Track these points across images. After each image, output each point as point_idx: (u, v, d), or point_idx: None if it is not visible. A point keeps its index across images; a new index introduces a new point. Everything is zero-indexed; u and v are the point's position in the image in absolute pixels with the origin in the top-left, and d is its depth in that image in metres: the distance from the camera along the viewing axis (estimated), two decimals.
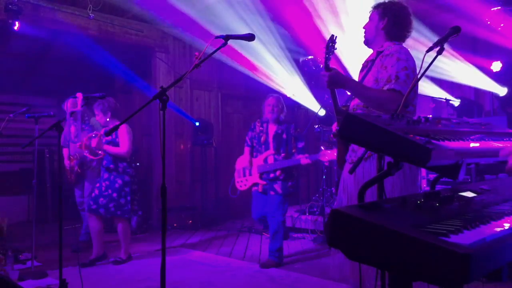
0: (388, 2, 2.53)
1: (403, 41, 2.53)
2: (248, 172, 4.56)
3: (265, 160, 4.43)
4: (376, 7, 2.54)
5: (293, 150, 4.43)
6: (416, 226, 1.01)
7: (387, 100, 2.26)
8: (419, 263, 0.90)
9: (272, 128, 4.46)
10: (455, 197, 1.36)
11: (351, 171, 2.17)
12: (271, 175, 4.37)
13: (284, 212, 4.44)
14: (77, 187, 5.32)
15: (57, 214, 3.32)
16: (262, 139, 4.47)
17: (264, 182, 4.41)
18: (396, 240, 0.94)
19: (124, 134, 4.56)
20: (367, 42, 2.60)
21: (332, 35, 2.51)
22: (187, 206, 6.98)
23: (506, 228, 1.07)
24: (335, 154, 3.47)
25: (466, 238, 0.97)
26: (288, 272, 4.17)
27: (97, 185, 4.57)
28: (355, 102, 2.50)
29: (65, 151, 5.50)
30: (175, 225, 6.58)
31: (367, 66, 2.55)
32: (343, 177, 2.56)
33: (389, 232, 0.95)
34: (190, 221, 6.71)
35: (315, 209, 6.10)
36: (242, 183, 4.64)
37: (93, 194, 4.54)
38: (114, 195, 4.49)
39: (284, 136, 4.41)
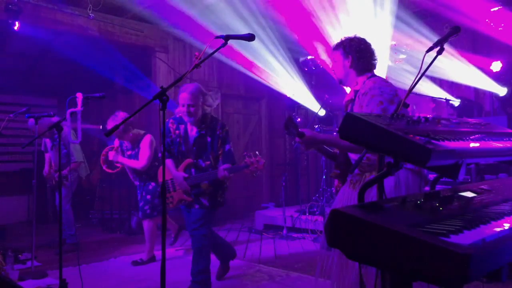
0: (346, 40, 2.60)
1: (374, 68, 2.61)
2: (172, 186, 3.61)
3: (186, 170, 3.55)
4: (337, 48, 2.61)
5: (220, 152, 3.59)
6: (416, 226, 1.01)
7: None
8: (419, 263, 0.90)
9: (193, 130, 3.57)
10: (455, 197, 1.36)
11: (351, 170, 2.18)
12: (195, 189, 3.54)
13: (207, 224, 3.56)
14: (57, 191, 5.27)
15: (57, 214, 3.32)
16: (183, 146, 3.57)
17: (190, 199, 3.54)
18: (396, 240, 0.94)
19: (146, 147, 4.54)
20: (341, 82, 2.67)
21: (289, 116, 2.55)
22: None
23: (506, 228, 1.07)
24: (262, 163, 3.50)
25: (466, 238, 0.97)
26: (288, 272, 4.17)
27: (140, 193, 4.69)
28: None
29: (46, 156, 5.52)
30: None
31: (348, 106, 2.62)
32: (344, 195, 2.54)
33: (389, 232, 0.95)
34: None
35: (315, 209, 6.10)
36: (169, 200, 3.60)
37: (140, 204, 4.68)
38: (148, 197, 4.57)
39: (209, 138, 3.54)
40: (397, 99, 2.41)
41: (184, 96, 3.46)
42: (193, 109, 3.44)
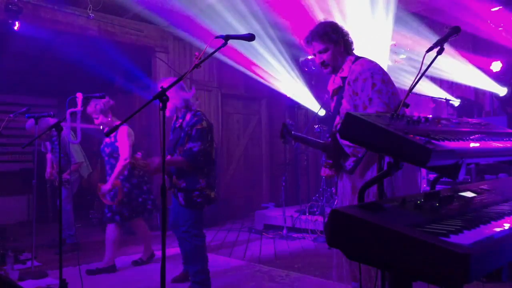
0: (330, 25, 2.59)
1: (353, 48, 2.64)
2: None
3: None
4: (323, 36, 2.56)
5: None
6: (416, 226, 1.01)
7: None
8: (419, 263, 0.90)
9: (175, 124, 3.58)
10: (455, 197, 1.36)
11: (351, 171, 2.18)
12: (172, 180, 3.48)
13: (197, 224, 3.46)
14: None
15: (57, 214, 3.32)
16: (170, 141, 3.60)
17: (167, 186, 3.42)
18: (396, 240, 0.94)
19: (124, 138, 4.24)
20: (335, 70, 2.64)
21: (284, 124, 2.64)
22: None
23: (506, 228, 1.07)
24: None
25: (466, 238, 0.97)
26: (288, 272, 4.17)
27: (112, 193, 4.29)
28: (338, 120, 2.57)
29: (48, 158, 5.46)
30: None
31: (337, 93, 2.61)
32: (343, 184, 2.59)
33: (389, 232, 0.95)
34: None
35: (315, 209, 6.10)
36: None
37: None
38: (125, 199, 4.33)
39: (182, 133, 3.43)
40: (387, 76, 2.46)
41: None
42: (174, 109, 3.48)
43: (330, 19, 2.73)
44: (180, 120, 3.49)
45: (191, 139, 3.35)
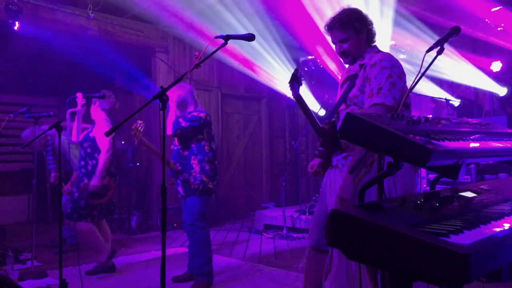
0: (353, 13, 2.45)
1: (375, 39, 2.51)
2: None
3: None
4: (345, 25, 2.43)
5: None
6: (416, 226, 1.01)
7: None
8: (419, 263, 0.90)
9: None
10: (455, 197, 1.36)
11: (351, 171, 2.17)
12: (171, 171, 3.78)
13: (202, 217, 3.70)
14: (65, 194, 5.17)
15: (57, 214, 3.32)
16: None
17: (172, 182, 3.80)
18: (396, 240, 0.94)
19: (101, 125, 4.12)
20: (354, 60, 2.50)
21: (297, 68, 2.54)
22: None
23: (506, 228, 1.07)
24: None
25: (466, 238, 0.97)
26: (288, 272, 4.17)
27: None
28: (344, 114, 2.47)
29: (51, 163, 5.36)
30: (175, 225, 6.58)
31: (351, 79, 2.48)
32: (330, 179, 2.51)
33: (389, 232, 0.95)
34: None
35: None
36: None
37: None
38: (76, 195, 4.12)
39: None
40: (404, 77, 2.33)
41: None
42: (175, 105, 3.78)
43: (354, 6, 2.58)
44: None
45: (182, 119, 3.71)
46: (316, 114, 6.52)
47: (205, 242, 3.70)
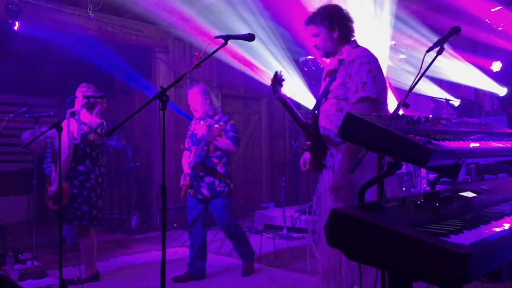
0: (327, 10, 2.54)
1: (354, 35, 2.59)
2: (184, 176, 4.03)
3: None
4: (320, 22, 2.53)
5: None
6: (416, 226, 1.01)
7: (361, 111, 2.27)
8: (419, 263, 0.90)
9: (202, 123, 4.03)
10: (455, 197, 1.36)
11: (351, 171, 2.17)
12: (194, 173, 3.91)
13: (229, 215, 4.02)
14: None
15: (57, 214, 3.32)
16: (195, 137, 4.01)
17: (188, 182, 3.93)
18: (396, 240, 0.94)
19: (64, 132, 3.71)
20: (328, 55, 2.61)
21: (276, 72, 2.75)
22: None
23: (506, 228, 1.07)
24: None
25: (466, 238, 0.97)
26: (288, 272, 4.17)
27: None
28: (325, 107, 2.53)
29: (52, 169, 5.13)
30: (175, 225, 6.58)
31: (331, 75, 2.58)
32: (324, 180, 2.58)
33: (389, 232, 0.95)
34: None
35: (315, 209, 6.09)
36: (182, 188, 4.05)
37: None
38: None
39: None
40: (382, 71, 2.43)
41: (188, 96, 4.03)
42: (197, 105, 3.94)
43: (334, 3, 2.67)
44: (206, 120, 3.99)
45: (228, 130, 3.92)
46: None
47: (239, 236, 4.09)
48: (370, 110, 2.28)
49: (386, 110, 2.49)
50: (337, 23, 2.51)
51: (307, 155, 2.65)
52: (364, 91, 2.31)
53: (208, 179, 3.89)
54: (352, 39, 2.57)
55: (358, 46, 2.54)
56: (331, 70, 2.58)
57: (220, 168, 3.92)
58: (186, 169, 3.97)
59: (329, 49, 2.57)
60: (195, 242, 3.98)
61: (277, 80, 2.70)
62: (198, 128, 4.02)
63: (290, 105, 2.71)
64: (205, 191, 3.89)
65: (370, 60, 2.39)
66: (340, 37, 2.53)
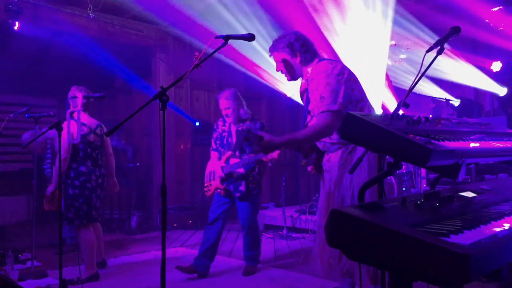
0: (288, 37, 2.70)
1: (317, 54, 2.74)
2: (213, 176, 4.10)
3: (227, 162, 4.02)
4: (280, 49, 2.71)
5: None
6: (416, 226, 1.01)
7: (321, 126, 2.46)
8: (419, 263, 0.90)
9: (234, 128, 4.12)
10: (455, 197, 1.36)
11: (351, 171, 2.18)
12: (233, 177, 4.00)
13: (256, 214, 4.20)
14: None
15: (57, 214, 3.31)
16: (225, 140, 4.10)
17: (223, 186, 4.00)
18: (396, 240, 0.94)
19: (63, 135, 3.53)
20: (295, 78, 2.79)
21: (248, 129, 2.90)
22: (187, 206, 6.98)
23: (506, 228, 1.07)
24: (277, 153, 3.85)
25: (466, 238, 0.97)
26: (288, 272, 4.17)
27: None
28: (309, 119, 2.71)
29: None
30: (175, 225, 6.58)
31: (303, 95, 2.76)
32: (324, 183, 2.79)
33: (389, 232, 0.95)
34: (190, 221, 6.71)
35: (315, 209, 6.09)
36: (207, 188, 4.15)
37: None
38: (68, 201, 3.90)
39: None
40: (347, 76, 2.53)
41: (219, 101, 4.14)
42: (230, 111, 4.03)
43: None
44: (238, 124, 4.08)
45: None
46: None
47: (258, 237, 4.23)
48: (333, 121, 2.41)
49: (369, 106, 2.62)
50: (298, 49, 2.68)
51: (309, 168, 2.86)
52: (323, 105, 2.45)
53: (244, 180, 3.99)
54: (315, 58, 2.70)
55: (321, 60, 2.67)
56: (302, 91, 2.76)
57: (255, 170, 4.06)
58: (219, 172, 4.00)
59: (294, 74, 2.75)
60: (209, 239, 4.04)
61: (248, 139, 2.60)
62: (231, 131, 4.11)
63: (288, 143, 2.71)
64: (242, 188, 3.98)
65: (328, 74, 2.50)
66: (302, 62, 2.69)
